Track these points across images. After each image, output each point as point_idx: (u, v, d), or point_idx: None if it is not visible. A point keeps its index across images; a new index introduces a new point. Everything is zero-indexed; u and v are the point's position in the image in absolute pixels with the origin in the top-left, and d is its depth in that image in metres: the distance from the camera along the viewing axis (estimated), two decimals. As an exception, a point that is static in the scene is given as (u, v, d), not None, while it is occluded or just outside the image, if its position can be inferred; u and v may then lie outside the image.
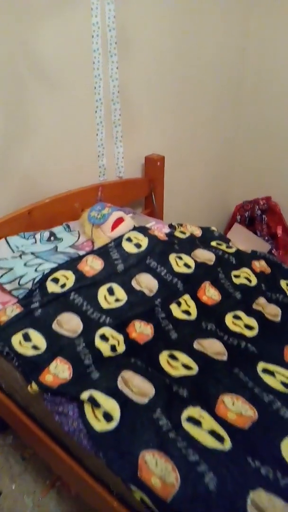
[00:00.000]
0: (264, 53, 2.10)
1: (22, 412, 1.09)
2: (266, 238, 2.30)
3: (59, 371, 0.94)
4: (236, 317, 1.15)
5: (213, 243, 1.49)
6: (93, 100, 1.57)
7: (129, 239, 1.39)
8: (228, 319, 1.14)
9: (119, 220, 1.43)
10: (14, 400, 1.12)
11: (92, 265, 1.27)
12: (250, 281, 1.30)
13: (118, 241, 1.38)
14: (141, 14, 1.58)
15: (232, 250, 1.45)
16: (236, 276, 1.32)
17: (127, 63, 1.61)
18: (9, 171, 1.41)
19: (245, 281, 1.30)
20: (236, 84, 2.22)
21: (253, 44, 2.10)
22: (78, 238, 1.45)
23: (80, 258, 1.30)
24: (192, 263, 1.34)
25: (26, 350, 1.01)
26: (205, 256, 1.39)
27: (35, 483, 1.33)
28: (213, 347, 1.03)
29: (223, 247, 1.47)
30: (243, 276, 1.32)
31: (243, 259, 1.41)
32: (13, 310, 1.14)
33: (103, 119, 1.63)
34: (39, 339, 1.04)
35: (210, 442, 0.79)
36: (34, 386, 0.92)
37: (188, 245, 1.44)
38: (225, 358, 1.00)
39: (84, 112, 1.56)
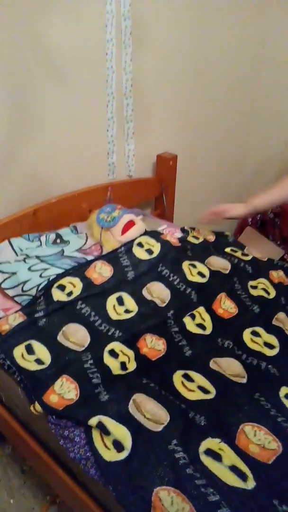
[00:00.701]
0: (280, 52, 2.00)
1: (24, 429, 1.02)
2: (278, 242, 2.22)
3: (65, 391, 0.87)
4: (255, 333, 1.07)
5: (228, 250, 1.41)
6: (105, 94, 1.48)
7: (140, 244, 1.30)
8: (246, 336, 1.06)
9: (130, 223, 1.34)
10: (15, 415, 1.05)
11: (101, 272, 1.19)
12: (268, 293, 1.22)
13: (128, 246, 1.30)
14: (157, 4, 1.48)
15: (248, 258, 1.37)
16: (253, 287, 1.25)
17: (141, 56, 1.52)
18: (13, 169, 1.33)
19: (263, 293, 1.22)
20: (251, 82, 2.12)
21: (270, 41, 2.00)
22: (86, 241, 1.37)
23: (88, 263, 1.22)
24: (206, 272, 1.26)
25: (29, 364, 0.94)
26: (220, 264, 1.31)
27: (34, 499, 1.27)
28: (231, 368, 0.95)
29: (238, 254, 1.39)
30: (261, 287, 1.24)
31: (260, 268, 1.33)
32: (16, 318, 1.07)
33: (114, 115, 1.53)
34: (43, 352, 0.97)
35: (231, 479, 0.71)
36: (38, 407, 0.85)
37: (202, 252, 1.35)
38: (244, 380, 0.92)
39: (94, 106, 1.47)
